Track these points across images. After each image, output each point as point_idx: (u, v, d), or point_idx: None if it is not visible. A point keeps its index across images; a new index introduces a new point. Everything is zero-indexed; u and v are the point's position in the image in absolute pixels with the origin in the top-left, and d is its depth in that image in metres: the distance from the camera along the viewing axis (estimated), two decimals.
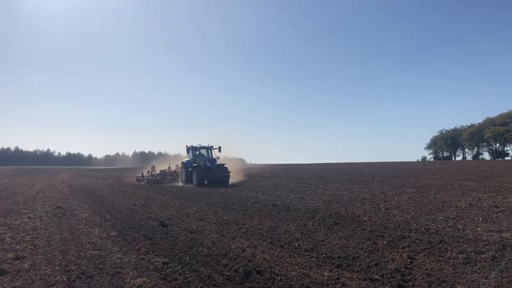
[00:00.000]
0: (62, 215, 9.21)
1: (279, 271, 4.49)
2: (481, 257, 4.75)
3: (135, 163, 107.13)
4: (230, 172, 19.82)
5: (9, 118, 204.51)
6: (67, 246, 5.96)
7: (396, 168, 30.02)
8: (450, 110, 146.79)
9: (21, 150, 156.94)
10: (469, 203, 9.40)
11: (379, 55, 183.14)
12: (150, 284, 4.13)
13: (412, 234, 6.22)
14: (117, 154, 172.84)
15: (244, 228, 7.21)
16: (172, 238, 6.41)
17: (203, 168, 19.66)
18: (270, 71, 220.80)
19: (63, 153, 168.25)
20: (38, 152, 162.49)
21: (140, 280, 4.25)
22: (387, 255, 5.03)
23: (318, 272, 4.42)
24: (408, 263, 4.63)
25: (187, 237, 6.43)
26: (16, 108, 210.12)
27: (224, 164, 20.32)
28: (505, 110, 74.93)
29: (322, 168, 35.20)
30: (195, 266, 4.77)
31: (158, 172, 24.65)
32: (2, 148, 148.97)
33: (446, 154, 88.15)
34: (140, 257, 5.23)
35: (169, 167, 25.54)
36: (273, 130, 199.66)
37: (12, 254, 5.35)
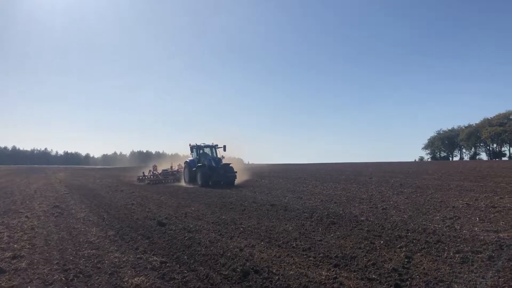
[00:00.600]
0: (59, 214, 9.17)
1: (277, 270, 4.50)
2: (478, 257, 4.78)
3: (132, 163, 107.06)
4: (236, 172, 18.89)
5: (6, 117, 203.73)
6: (65, 245, 5.94)
7: (393, 168, 30.13)
8: (447, 111, 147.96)
9: (19, 149, 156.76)
10: (466, 203, 9.45)
11: (378, 55, 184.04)
12: (148, 283, 4.12)
13: (409, 234, 6.25)
14: (115, 153, 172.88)
15: (242, 227, 7.21)
16: (170, 238, 6.40)
17: (208, 168, 18.71)
18: (270, 71, 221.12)
19: (61, 152, 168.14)
20: (35, 152, 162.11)
21: (138, 279, 4.24)
22: (384, 255, 5.05)
23: (315, 272, 4.43)
24: (406, 263, 4.65)
25: (185, 237, 6.42)
26: (14, 107, 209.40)
27: (230, 163, 19.28)
28: (502, 110, 75.53)
29: (320, 168, 35.27)
30: (193, 266, 4.77)
31: (160, 171, 24.05)
32: None
33: (443, 154, 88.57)
34: (138, 256, 5.23)
35: (171, 167, 24.89)
36: (273, 130, 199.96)
37: (10, 253, 5.34)
